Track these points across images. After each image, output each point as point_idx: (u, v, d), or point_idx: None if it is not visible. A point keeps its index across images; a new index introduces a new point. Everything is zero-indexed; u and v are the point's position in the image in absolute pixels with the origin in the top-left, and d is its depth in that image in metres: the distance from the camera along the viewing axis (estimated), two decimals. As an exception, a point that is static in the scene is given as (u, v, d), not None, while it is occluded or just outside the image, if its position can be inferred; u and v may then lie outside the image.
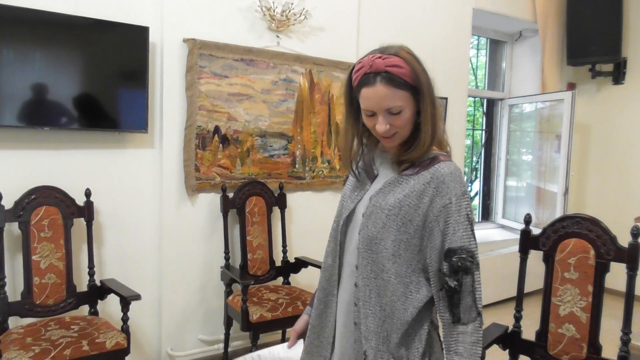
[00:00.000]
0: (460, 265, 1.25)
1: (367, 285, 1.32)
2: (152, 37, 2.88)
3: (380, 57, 1.26)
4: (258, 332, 2.79)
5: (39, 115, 2.58)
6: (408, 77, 1.26)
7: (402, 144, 1.34)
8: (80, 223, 2.72)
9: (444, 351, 1.30)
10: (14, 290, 2.56)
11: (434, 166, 1.30)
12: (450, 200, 1.26)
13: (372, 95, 1.26)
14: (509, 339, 2.16)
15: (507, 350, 2.17)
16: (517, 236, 2.25)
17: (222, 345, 3.17)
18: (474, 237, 1.28)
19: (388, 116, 1.28)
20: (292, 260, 3.40)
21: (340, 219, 1.43)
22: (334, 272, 1.43)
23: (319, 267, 3.16)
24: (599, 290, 1.95)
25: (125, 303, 2.46)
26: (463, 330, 1.25)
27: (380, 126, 1.28)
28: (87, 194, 2.72)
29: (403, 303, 1.29)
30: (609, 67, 5.01)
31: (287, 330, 3.36)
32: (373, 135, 1.37)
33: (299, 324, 1.61)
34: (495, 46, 5.44)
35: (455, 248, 1.25)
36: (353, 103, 1.36)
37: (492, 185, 5.45)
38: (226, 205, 3.12)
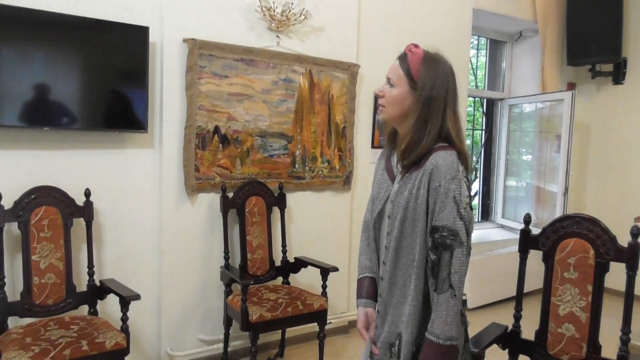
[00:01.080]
0: (440, 242, 1.40)
1: (391, 278, 1.51)
2: (152, 37, 2.88)
3: (415, 45, 1.53)
4: (258, 332, 2.79)
5: (39, 115, 2.58)
6: (412, 67, 1.48)
7: (401, 145, 1.52)
8: (79, 223, 2.72)
9: (432, 313, 1.44)
10: (14, 290, 2.56)
11: (432, 156, 1.45)
12: (440, 183, 1.41)
13: (391, 65, 1.55)
14: (509, 339, 2.16)
15: (507, 350, 2.17)
16: (517, 236, 2.25)
17: (221, 345, 3.17)
18: (461, 218, 1.40)
19: (387, 85, 1.54)
20: (291, 260, 3.40)
21: (372, 216, 1.61)
22: (375, 262, 1.64)
23: (318, 266, 3.17)
24: (599, 290, 1.95)
25: (124, 303, 2.46)
26: (437, 299, 1.41)
27: (378, 89, 1.57)
28: (87, 194, 2.72)
29: (425, 286, 1.46)
30: (609, 67, 5.01)
31: (287, 330, 3.36)
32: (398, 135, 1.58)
33: (361, 321, 1.66)
34: (495, 46, 5.44)
35: (439, 226, 1.41)
36: None
37: (492, 185, 5.45)
38: (226, 205, 3.12)
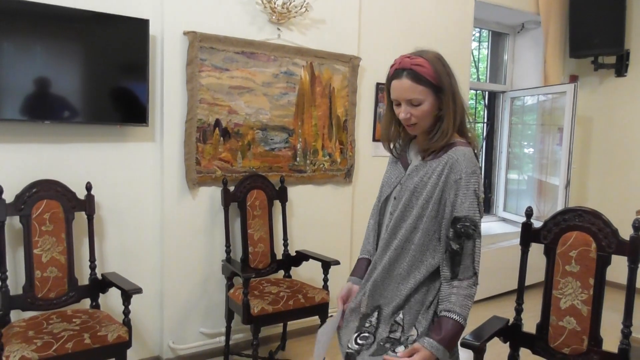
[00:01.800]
0: (463, 232, 1.47)
1: (380, 255, 1.60)
2: (153, 30, 2.86)
3: (408, 57, 1.51)
4: (259, 325, 2.80)
5: (40, 109, 2.57)
6: (429, 76, 1.48)
7: (426, 134, 1.57)
8: (81, 217, 2.72)
9: (439, 303, 1.51)
10: (16, 283, 2.56)
11: (451, 150, 1.51)
12: (461, 176, 1.48)
13: (398, 87, 1.51)
14: (510, 332, 2.16)
15: (508, 343, 2.17)
16: (519, 229, 2.25)
17: (223, 338, 3.18)
18: (479, 211, 1.50)
19: (409, 106, 1.51)
20: (293, 253, 3.41)
21: (379, 201, 1.70)
22: (373, 245, 1.70)
23: (320, 260, 3.17)
24: (600, 283, 1.95)
25: (126, 296, 2.47)
26: (458, 284, 1.47)
27: (401, 114, 1.53)
28: (88, 187, 2.72)
29: (418, 267, 1.54)
30: (611, 60, 4.98)
31: (289, 323, 3.37)
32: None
33: (343, 291, 1.75)
34: (497, 38, 5.41)
35: (461, 217, 1.47)
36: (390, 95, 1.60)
37: (494, 178, 5.44)
38: (227, 199, 3.12)
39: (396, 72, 1.51)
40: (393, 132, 1.66)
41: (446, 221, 1.49)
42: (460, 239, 1.47)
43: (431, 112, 1.51)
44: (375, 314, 1.59)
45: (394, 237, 1.56)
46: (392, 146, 1.68)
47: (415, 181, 1.55)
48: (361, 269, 1.73)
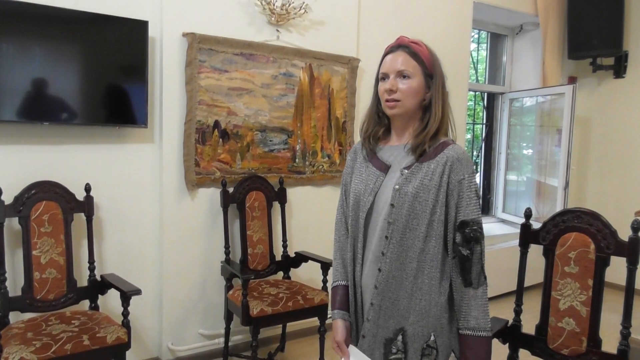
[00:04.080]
0: (472, 236, 1.42)
1: (391, 270, 1.45)
2: (152, 32, 2.87)
3: (406, 37, 1.51)
4: (258, 326, 2.79)
5: (39, 110, 2.57)
6: (425, 57, 1.47)
7: (406, 125, 1.51)
8: (80, 218, 2.72)
9: (457, 314, 1.46)
10: (15, 285, 2.56)
11: (446, 148, 1.45)
12: (464, 176, 1.43)
13: (390, 60, 1.48)
14: (509, 333, 2.16)
15: (507, 344, 2.17)
16: (518, 230, 2.25)
17: (222, 339, 3.18)
18: (480, 212, 1.47)
19: (398, 79, 1.46)
20: (292, 254, 3.40)
21: (359, 212, 1.52)
22: (358, 262, 1.53)
23: (319, 261, 3.16)
24: (599, 284, 1.95)
25: (125, 298, 2.46)
26: (474, 294, 1.43)
27: (387, 85, 1.47)
28: (87, 189, 2.71)
29: (441, 278, 1.44)
30: (610, 61, 4.99)
31: (288, 324, 3.37)
32: (381, 124, 1.56)
33: (342, 334, 1.56)
34: (496, 40, 5.42)
35: (468, 220, 1.42)
36: (377, 82, 1.54)
37: (493, 179, 5.45)
38: (226, 200, 3.12)
39: (392, 48, 1.50)
40: (373, 127, 1.58)
41: (451, 224, 1.43)
42: (470, 244, 1.42)
43: (417, 92, 1.46)
44: (400, 337, 1.46)
45: (404, 248, 1.43)
46: (370, 142, 1.57)
47: (416, 185, 1.43)
48: (344, 297, 1.58)
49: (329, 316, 3.10)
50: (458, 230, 1.43)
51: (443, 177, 1.43)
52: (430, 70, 1.47)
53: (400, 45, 1.48)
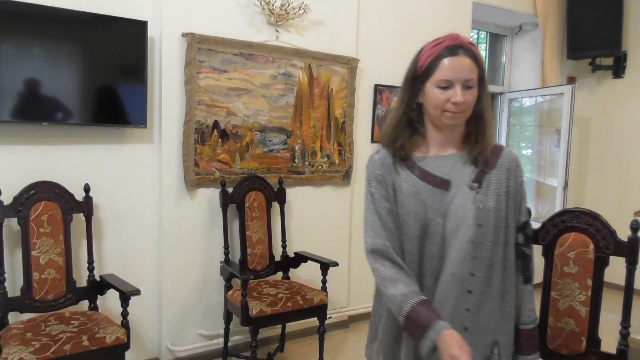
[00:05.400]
0: (530, 235, 1.46)
1: (482, 289, 1.37)
2: (151, 32, 2.86)
3: (460, 35, 1.35)
4: (258, 326, 2.79)
5: (38, 111, 2.57)
6: (481, 60, 1.36)
7: (465, 138, 1.42)
8: (79, 218, 2.71)
9: (522, 304, 1.46)
10: (14, 285, 2.56)
11: (502, 153, 1.42)
12: (522, 179, 1.44)
13: (456, 65, 1.31)
14: (508, 333, 2.15)
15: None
16: (517, 230, 2.25)
17: (222, 340, 3.18)
18: None
19: (464, 89, 1.32)
20: (291, 255, 3.40)
21: (430, 237, 1.37)
22: (427, 288, 1.39)
23: (318, 261, 3.16)
24: (598, 284, 1.95)
25: (124, 298, 2.46)
26: (529, 289, 1.47)
27: (458, 96, 1.31)
28: (86, 189, 2.71)
29: (513, 283, 1.43)
30: (609, 61, 5.00)
31: (287, 325, 3.36)
32: (419, 134, 1.42)
33: (463, 341, 1.27)
34: (495, 40, 5.42)
35: (527, 221, 1.45)
36: (414, 85, 1.39)
37: (492, 179, 5.43)
38: (225, 200, 3.12)
39: (450, 48, 1.32)
40: (408, 137, 1.42)
41: (515, 226, 1.42)
42: (529, 243, 1.45)
43: (474, 102, 1.36)
44: (496, 349, 1.41)
45: (491, 263, 1.36)
46: (403, 154, 1.42)
47: (494, 199, 1.36)
48: (434, 310, 1.35)
49: (328, 316, 3.11)
50: (521, 231, 1.43)
51: (509, 183, 1.39)
52: (483, 75, 1.37)
53: (462, 47, 1.33)
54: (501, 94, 5.33)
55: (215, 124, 3.13)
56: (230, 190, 3.17)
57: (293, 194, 3.51)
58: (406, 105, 1.42)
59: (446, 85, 1.32)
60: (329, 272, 3.14)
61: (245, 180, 3.22)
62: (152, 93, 2.97)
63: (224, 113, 3.16)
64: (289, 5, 3.26)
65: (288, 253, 3.39)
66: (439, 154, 1.42)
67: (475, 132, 1.40)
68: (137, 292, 2.47)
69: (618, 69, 4.96)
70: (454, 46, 1.32)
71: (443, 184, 1.38)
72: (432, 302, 1.37)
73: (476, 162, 1.38)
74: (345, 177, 3.72)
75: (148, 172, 3.02)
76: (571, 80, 5.15)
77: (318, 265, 3.17)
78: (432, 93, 1.35)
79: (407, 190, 1.39)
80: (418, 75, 1.38)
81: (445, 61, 1.31)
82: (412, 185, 1.39)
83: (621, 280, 1.91)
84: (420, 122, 1.43)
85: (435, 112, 1.36)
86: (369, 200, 1.43)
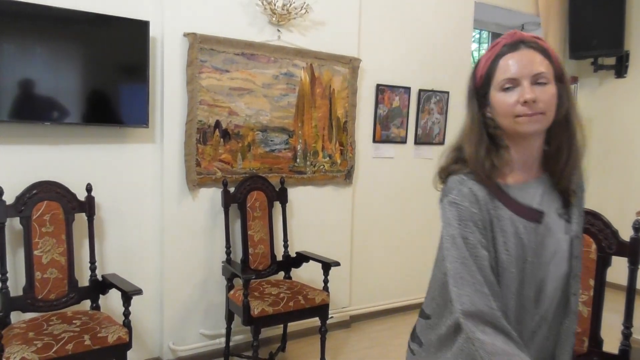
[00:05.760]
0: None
1: (571, 317, 1.27)
2: (153, 32, 2.86)
3: (519, 31, 1.18)
4: (259, 326, 2.79)
5: (40, 110, 2.58)
6: (555, 57, 1.15)
7: (547, 159, 1.20)
8: (81, 218, 2.72)
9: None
10: (16, 285, 2.56)
11: (573, 175, 1.22)
12: (584, 202, 1.31)
13: (519, 59, 1.12)
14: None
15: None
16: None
17: (223, 339, 3.18)
18: None
19: (534, 86, 1.11)
20: (293, 254, 3.40)
21: (530, 282, 1.18)
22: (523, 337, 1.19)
23: (320, 261, 3.16)
24: (601, 284, 1.95)
25: (126, 298, 2.46)
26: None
27: (527, 92, 1.10)
28: (88, 189, 2.72)
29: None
30: (611, 61, 4.99)
31: (289, 324, 3.37)
32: (497, 158, 1.16)
33: None
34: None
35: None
36: (478, 100, 1.20)
37: (494, 179, 5.43)
38: (227, 200, 3.12)
39: (508, 45, 1.15)
40: (496, 159, 1.16)
41: None
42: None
43: (555, 102, 1.13)
44: None
45: (575, 295, 1.27)
46: (492, 180, 1.17)
47: (578, 227, 1.24)
48: None
49: (330, 316, 3.11)
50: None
51: (580, 209, 1.27)
52: (561, 73, 1.15)
53: (523, 42, 1.14)
54: (503, 93, 5.31)
55: (217, 124, 3.14)
56: (232, 190, 3.17)
57: (295, 193, 3.51)
58: (478, 121, 1.19)
59: (511, 85, 1.13)
60: (330, 272, 3.14)
61: (247, 180, 3.22)
62: (154, 93, 2.97)
63: (226, 113, 3.16)
64: (290, 5, 3.26)
65: (290, 253, 3.39)
66: (527, 180, 1.21)
67: (557, 147, 1.17)
68: (139, 291, 2.47)
69: (620, 69, 4.95)
70: (513, 42, 1.15)
71: (534, 216, 1.18)
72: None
73: (566, 189, 1.21)
74: (347, 177, 3.72)
75: (150, 172, 3.02)
76: (573, 80, 5.14)
77: (320, 265, 3.17)
78: (497, 99, 1.15)
79: (509, 231, 1.15)
80: (480, 87, 1.19)
81: (503, 60, 1.14)
82: (511, 224, 1.16)
83: (623, 281, 1.91)
84: (502, 140, 1.19)
85: (507, 121, 1.14)
86: (459, 245, 1.14)
